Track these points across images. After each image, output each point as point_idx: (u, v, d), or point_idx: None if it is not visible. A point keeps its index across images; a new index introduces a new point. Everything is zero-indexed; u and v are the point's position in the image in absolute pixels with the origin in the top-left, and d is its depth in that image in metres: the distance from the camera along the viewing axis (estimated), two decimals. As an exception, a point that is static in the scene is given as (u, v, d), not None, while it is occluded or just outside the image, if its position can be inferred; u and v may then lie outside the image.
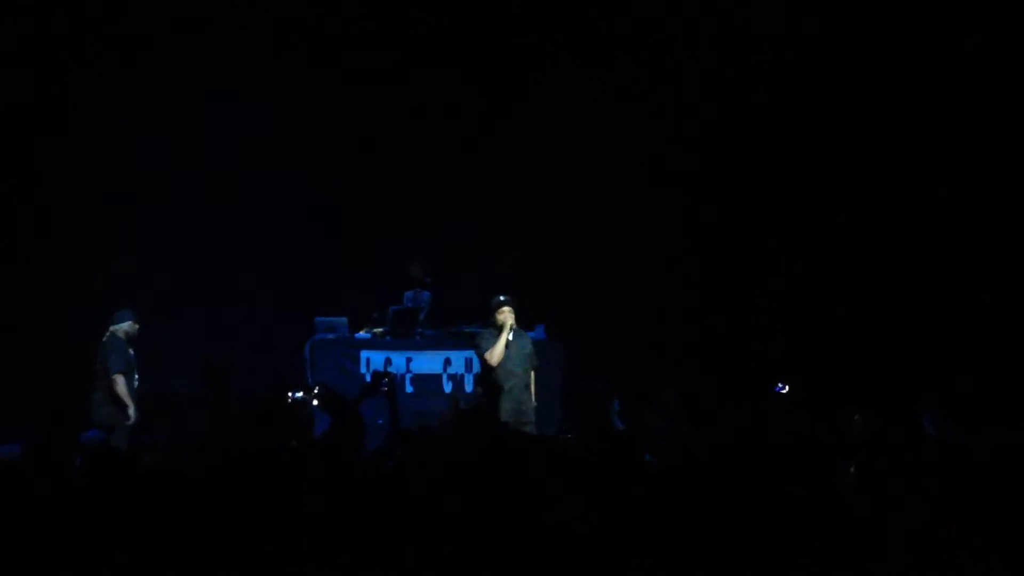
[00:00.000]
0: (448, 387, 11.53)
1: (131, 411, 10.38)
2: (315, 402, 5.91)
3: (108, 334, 10.56)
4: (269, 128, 12.07)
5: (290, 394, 7.47)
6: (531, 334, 10.99)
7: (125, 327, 10.61)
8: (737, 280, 12.31)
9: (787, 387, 8.60)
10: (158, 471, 4.69)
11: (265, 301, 12.17)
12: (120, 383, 10.39)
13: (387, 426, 8.23)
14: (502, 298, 10.30)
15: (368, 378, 10.53)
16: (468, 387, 11.51)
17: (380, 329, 11.76)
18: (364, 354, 11.54)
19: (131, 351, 10.65)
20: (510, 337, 10.23)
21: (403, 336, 11.64)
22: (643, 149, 12.20)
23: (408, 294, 11.77)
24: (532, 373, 10.52)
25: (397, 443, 6.39)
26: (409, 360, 11.52)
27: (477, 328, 11.20)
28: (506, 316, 10.25)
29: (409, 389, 11.41)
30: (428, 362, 11.58)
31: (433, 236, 12.51)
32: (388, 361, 11.39)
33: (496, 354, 10.18)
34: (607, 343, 12.34)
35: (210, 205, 12.10)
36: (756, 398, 9.16)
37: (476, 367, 11.07)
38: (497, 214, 12.64)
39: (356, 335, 11.65)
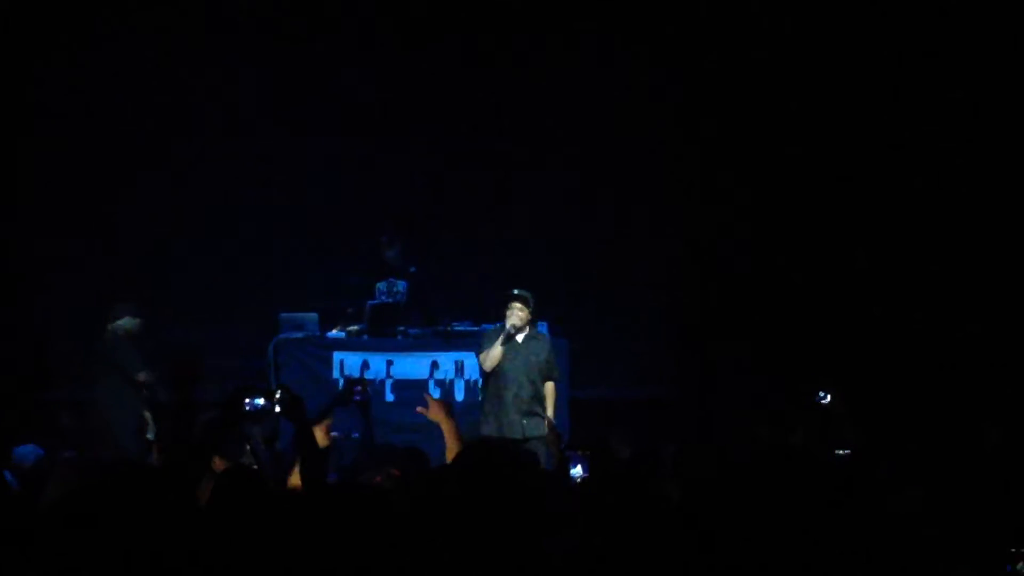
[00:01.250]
0: (435, 395, 10.27)
1: (148, 417, 10.07)
2: (276, 408, 5.44)
3: (107, 332, 10.14)
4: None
5: (247, 401, 6.42)
6: None
7: (125, 323, 10.22)
8: (771, 275, 11.83)
9: (829, 396, 7.96)
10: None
11: (220, 294, 11.52)
12: (148, 378, 10.07)
13: (361, 441, 8.39)
14: (515, 292, 9.57)
15: (340, 385, 10.31)
16: (459, 394, 10.78)
17: (356, 327, 11.00)
18: (337, 356, 10.86)
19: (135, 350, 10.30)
20: (519, 339, 9.46)
21: (383, 335, 10.92)
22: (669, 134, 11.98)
23: (380, 285, 11.02)
24: (549, 386, 9.69)
25: (368, 462, 6.09)
26: (390, 363, 10.84)
27: (468, 325, 10.83)
28: (513, 313, 9.47)
29: (390, 397, 10.74)
30: (412, 366, 10.87)
31: (420, 219, 11.99)
32: (365, 364, 10.72)
33: (491, 357, 9.42)
34: (621, 341, 11.92)
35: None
36: (796, 409, 8.42)
37: (467, 371, 10.68)
38: (495, 193, 12.25)
39: (328, 334, 10.94)
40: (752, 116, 11.72)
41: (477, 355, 9.68)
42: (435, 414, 5.96)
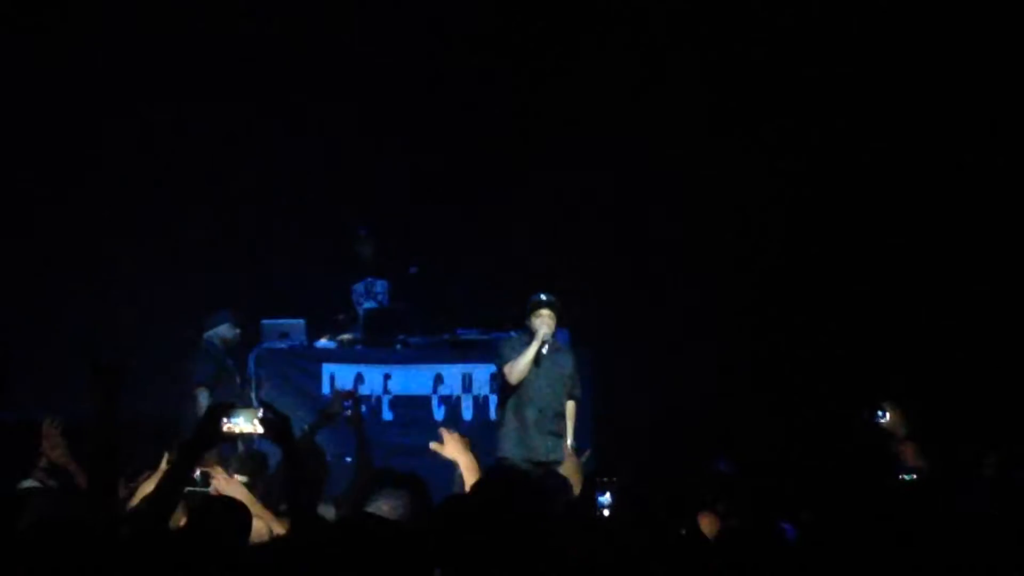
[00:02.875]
0: (439, 413, 10.52)
1: None
2: (259, 429, 5.22)
3: (202, 341, 10.17)
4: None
5: (226, 421, 5.94)
6: None
7: (223, 331, 10.20)
8: (813, 283, 11.74)
9: (888, 414, 7.80)
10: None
11: (197, 299, 10.93)
12: (201, 398, 9.82)
13: (356, 465, 8.20)
14: (543, 297, 9.27)
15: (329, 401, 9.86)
16: (466, 412, 10.54)
17: (348, 335, 10.82)
18: (327, 368, 10.61)
19: (230, 361, 10.25)
20: (544, 351, 9.19)
21: (379, 345, 10.73)
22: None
23: (357, 287, 10.95)
24: (570, 405, 9.42)
25: (367, 488, 5.69)
26: (387, 377, 10.61)
27: (477, 334, 10.62)
28: (543, 322, 9.18)
29: (387, 416, 10.53)
30: (413, 380, 10.66)
31: (422, 214, 11.71)
32: (359, 378, 10.50)
33: (519, 368, 9.11)
34: (652, 350, 11.59)
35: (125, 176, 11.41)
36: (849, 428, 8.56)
37: (476, 386, 10.48)
38: (508, 186, 11.81)
39: (316, 343, 10.72)
40: (793, 111, 11.68)
41: (499, 365, 9.35)
42: (452, 451, 5.86)
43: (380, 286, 11.03)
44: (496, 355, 9.44)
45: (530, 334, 9.21)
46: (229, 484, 5.84)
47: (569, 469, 7.24)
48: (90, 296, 11.22)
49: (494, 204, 11.89)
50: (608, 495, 5.84)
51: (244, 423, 5.12)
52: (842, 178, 11.82)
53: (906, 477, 6.93)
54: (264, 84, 11.55)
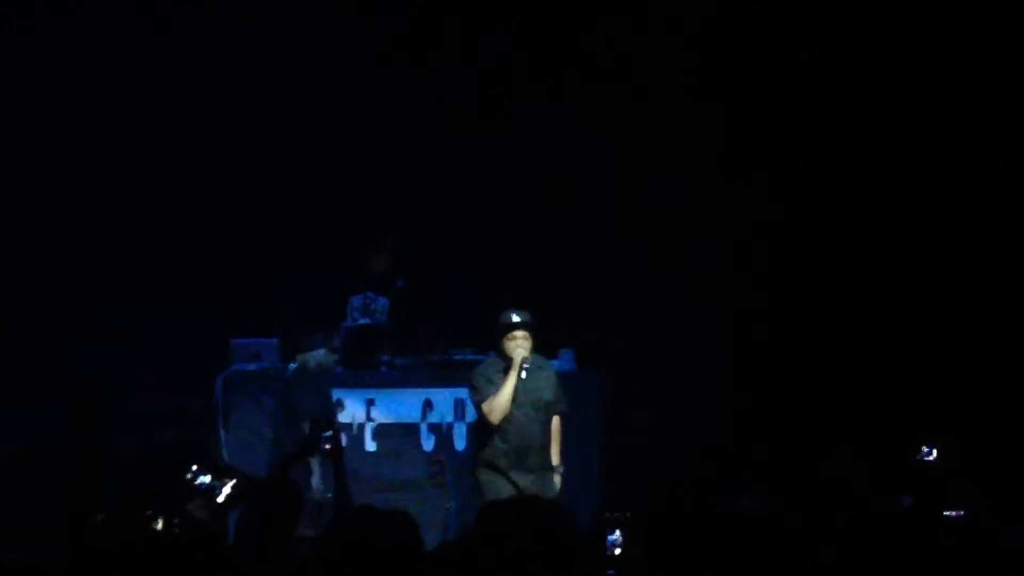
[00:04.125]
0: (429, 443, 10.25)
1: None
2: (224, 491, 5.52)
3: (296, 364, 10.12)
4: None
5: (194, 473, 6.50)
6: (555, 363, 9.65)
7: (320, 356, 10.08)
8: (846, 311, 11.59)
9: (935, 452, 8.06)
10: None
11: (161, 314, 10.96)
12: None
13: (335, 502, 8.17)
14: (515, 318, 8.76)
15: (307, 430, 9.59)
16: (459, 442, 10.24)
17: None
18: None
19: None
20: (523, 375, 8.75)
21: (362, 367, 10.47)
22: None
23: (354, 300, 10.66)
24: (555, 421, 9.00)
25: (344, 529, 5.37)
26: (371, 403, 10.36)
27: (471, 354, 10.21)
28: (519, 345, 8.73)
29: (370, 446, 10.28)
30: (399, 405, 10.42)
31: (410, 220, 11.43)
32: (339, 404, 10.17)
33: (500, 406, 8.67)
34: (665, 375, 11.37)
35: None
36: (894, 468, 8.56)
37: (470, 412, 9.90)
38: (505, 190, 11.65)
39: (291, 365, 10.30)
40: (816, 127, 11.67)
41: (476, 403, 8.98)
42: None
43: (380, 303, 10.75)
44: (470, 386, 9.07)
45: (503, 359, 8.80)
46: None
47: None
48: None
49: (493, 212, 11.66)
50: (618, 533, 5.83)
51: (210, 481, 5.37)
52: (875, 203, 11.61)
53: (951, 514, 6.95)
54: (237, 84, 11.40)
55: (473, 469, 8.96)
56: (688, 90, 11.77)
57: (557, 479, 8.71)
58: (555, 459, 8.84)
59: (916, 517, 7.11)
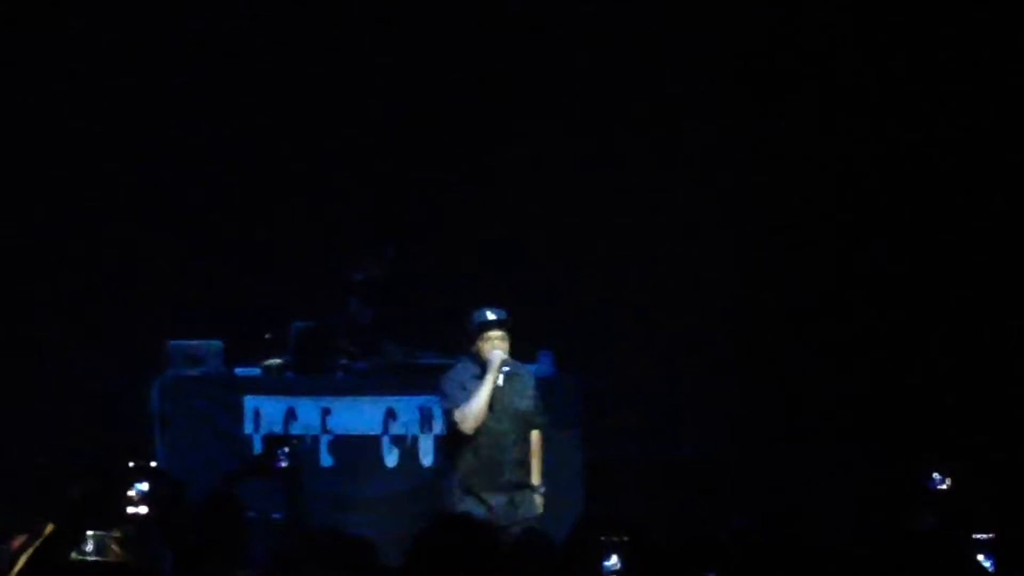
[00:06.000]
0: (392, 458, 9.88)
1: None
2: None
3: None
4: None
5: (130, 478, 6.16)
6: (533, 367, 9.38)
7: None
8: (843, 317, 11.27)
9: (948, 480, 8.01)
10: None
11: (84, 312, 10.57)
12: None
13: (286, 523, 8.26)
14: (490, 316, 8.41)
15: (257, 446, 9.53)
16: (426, 457, 9.92)
17: (277, 360, 10.15)
18: (251, 402, 9.97)
19: None
20: (500, 381, 8.35)
21: (315, 371, 10.14)
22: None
23: (352, 302, 10.30)
24: (534, 435, 8.60)
25: (300, 555, 5.59)
26: (326, 412, 9.94)
27: (437, 357, 9.91)
28: (495, 346, 8.35)
29: (327, 461, 9.91)
30: (358, 416, 10.01)
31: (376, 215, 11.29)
32: (291, 414, 9.84)
33: (474, 412, 8.26)
34: (655, 380, 11.07)
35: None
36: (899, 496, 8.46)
37: (436, 425, 9.74)
38: (481, 178, 11.32)
39: (237, 370, 10.12)
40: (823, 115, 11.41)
41: (447, 411, 8.55)
42: None
43: (368, 314, 10.48)
44: (439, 392, 8.70)
45: (476, 362, 8.41)
46: (132, 552, 5.44)
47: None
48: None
49: (468, 205, 11.33)
50: (615, 559, 5.67)
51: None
52: (891, 216, 11.35)
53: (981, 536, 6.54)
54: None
55: (440, 487, 8.52)
56: (677, 87, 11.62)
57: (539, 499, 8.30)
58: (535, 478, 8.43)
59: (942, 538, 6.59)
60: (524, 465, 8.46)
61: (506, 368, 8.39)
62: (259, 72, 11.53)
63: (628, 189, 11.66)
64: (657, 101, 11.53)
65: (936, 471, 7.89)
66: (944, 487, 7.81)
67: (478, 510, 8.22)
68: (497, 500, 8.28)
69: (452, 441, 8.54)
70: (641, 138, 11.58)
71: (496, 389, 8.35)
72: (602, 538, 5.86)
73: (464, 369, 8.48)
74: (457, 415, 8.31)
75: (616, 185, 11.55)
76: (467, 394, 8.33)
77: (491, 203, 11.43)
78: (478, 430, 8.37)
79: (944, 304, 11.32)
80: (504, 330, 8.38)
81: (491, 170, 11.68)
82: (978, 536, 6.74)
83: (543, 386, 9.09)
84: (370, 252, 10.58)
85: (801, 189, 11.51)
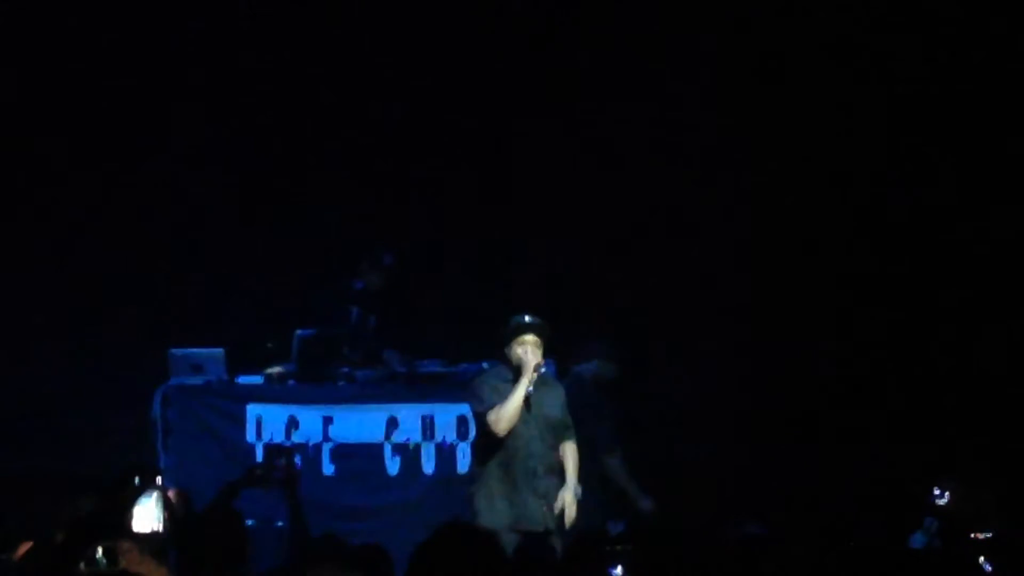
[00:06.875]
0: (394, 467, 9.91)
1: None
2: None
3: (570, 376, 9.87)
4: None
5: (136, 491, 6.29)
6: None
7: (597, 367, 9.97)
8: (853, 325, 11.39)
9: (948, 494, 7.91)
10: None
11: (86, 322, 10.63)
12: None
13: (287, 533, 8.10)
14: (527, 320, 8.37)
15: (259, 455, 9.45)
16: (427, 465, 9.97)
17: (279, 368, 10.16)
18: (253, 410, 9.96)
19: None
20: (530, 389, 8.24)
21: (317, 380, 10.11)
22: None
23: (354, 311, 10.28)
24: (570, 447, 8.50)
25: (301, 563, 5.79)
26: (328, 421, 9.97)
27: (439, 366, 10.12)
28: (528, 350, 8.27)
29: (328, 469, 9.94)
30: (360, 424, 10.03)
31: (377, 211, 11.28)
32: (293, 422, 9.88)
33: (508, 415, 8.17)
34: (654, 387, 11.15)
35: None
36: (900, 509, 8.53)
37: (439, 431, 9.88)
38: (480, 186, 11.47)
39: (239, 379, 10.08)
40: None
41: (477, 411, 8.46)
42: None
43: (371, 322, 10.51)
44: (472, 396, 8.55)
45: (509, 367, 8.31)
46: (143, 564, 5.47)
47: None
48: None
49: (471, 210, 11.32)
50: (620, 569, 5.72)
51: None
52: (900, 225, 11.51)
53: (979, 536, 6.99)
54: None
55: (470, 492, 8.49)
56: (682, 93, 11.63)
57: (574, 507, 8.18)
58: (572, 480, 8.33)
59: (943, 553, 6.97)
60: (554, 472, 8.40)
61: (542, 369, 8.33)
62: (258, 72, 11.34)
63: (628, 189, 11.63)
64: (657, 101, 11.53)
65: (938, 486, 7.85)
66: (944, 502, 7.79)
67: (506, 517, 8.21)
68: (535, 506, 8.25)
69: (484, 446, 8.49)
70: (641, 138, 11.57)
71: (528, 395, 8.31)
72: (607, 548, 5.95)
73: (497, 373, 8.45)
74: (491, 417, 8.24)
75: (616, 185, 11.53)
76: (500, 397, 8.28)
77: (491, 203, 11.47)
78: (519, 440, 8.33)
79: (944, 304, 11.33)
80: (538, 335, 8.35)
81: (491, 170, 11.58)
82: (978, 536, 7.16)
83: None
84: (369, 261, 10.48)
85: (801, 189, 11.46)
